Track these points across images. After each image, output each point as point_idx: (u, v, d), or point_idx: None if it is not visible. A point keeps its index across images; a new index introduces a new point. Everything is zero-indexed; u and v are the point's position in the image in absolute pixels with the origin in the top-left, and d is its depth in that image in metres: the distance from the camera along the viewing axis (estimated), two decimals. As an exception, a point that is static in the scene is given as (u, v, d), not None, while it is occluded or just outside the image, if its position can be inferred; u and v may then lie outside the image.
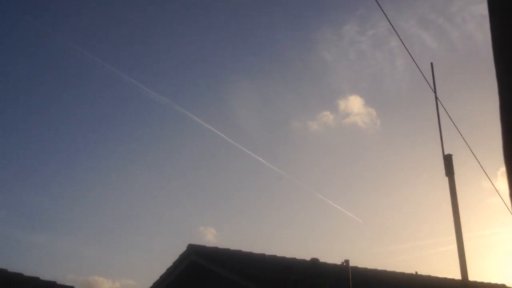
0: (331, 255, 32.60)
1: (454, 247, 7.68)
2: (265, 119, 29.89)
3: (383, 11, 6.11)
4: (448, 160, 8.08)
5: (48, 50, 28.04)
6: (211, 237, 27.51)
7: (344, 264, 10.35)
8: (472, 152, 8.39)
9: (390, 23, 6.42)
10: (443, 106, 8.29)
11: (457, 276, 7.94)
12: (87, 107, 29.74)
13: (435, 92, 8.35)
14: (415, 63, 7.36)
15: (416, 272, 17.15)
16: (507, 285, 17.15)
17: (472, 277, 13.20)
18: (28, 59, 27.83)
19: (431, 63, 8.69)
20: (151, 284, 13.65)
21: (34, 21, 25.59)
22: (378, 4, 5.87)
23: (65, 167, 30.15)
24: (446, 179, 8.07)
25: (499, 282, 17.17)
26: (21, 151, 28.74)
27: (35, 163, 29.80)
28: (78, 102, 29.51)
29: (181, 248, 12.99)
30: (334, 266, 13.70)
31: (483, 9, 25.83)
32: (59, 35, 26.36)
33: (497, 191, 9.10)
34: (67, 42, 26.10)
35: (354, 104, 28.30)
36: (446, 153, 8.13)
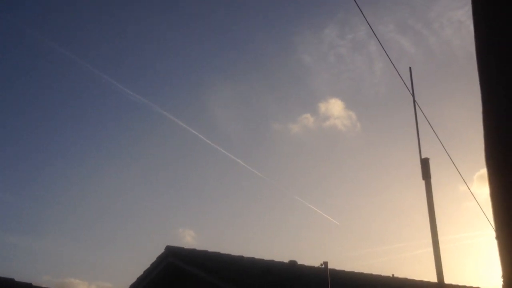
0: (309, 258, 32.72)
1: (430, 250, 7.76)
2: (245, 121, 29.91)
3: (363, 15, 6.15)
4: (425, 164, 8.16)
5: (26, 49, 27.70)
6: (189, 239, 27.43)
7: (323, 266, 10.39)
8: (449, 156, 8.49)
9: (371, 28, 6.47)
10: (421, 110, 8.38)
11: (433, 278, 8.02)
12: (64, 106, 29.41)
13: (413, 97, 8.44)
14: (395, 68, 7.43)
15: (393, 275, 17.31)
16: (482, 287, 17.41)
17: (448, 279, 13.35)
18: (3, 56, 27.43)
19: (410, 68, 8.78)
20: (127, 286, 13.53)
21: (10, 17, 25.22)
22: (359, 8, 5.91)
23: (40, 167, 29.77)
24: (423, 182, 8.15)
25: (474, 285, 17.41)
26: (7, 153, 28.31)
27: (9, 162, 29.35)
28: (55, 101, 29.17)
29: (159, 250, 12.92)
30: (312, 268, 13.75)
31: (461, 15, 26.12)
32: (37, 34, 26.04)
33: (473, 195, 9.22)
34: (44, 40, 25.80)
35: (334, 107, 28.49)
36: (423, 157, 8.22)
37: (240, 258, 14.18)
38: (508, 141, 2.49)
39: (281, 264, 14.55)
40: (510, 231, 2.39)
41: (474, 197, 9.13)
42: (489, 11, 2.74)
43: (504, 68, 2.59)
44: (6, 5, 25.96)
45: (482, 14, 2.82)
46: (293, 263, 14.61)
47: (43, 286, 10.16)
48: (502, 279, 2.44)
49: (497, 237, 2.47)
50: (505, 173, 2.48)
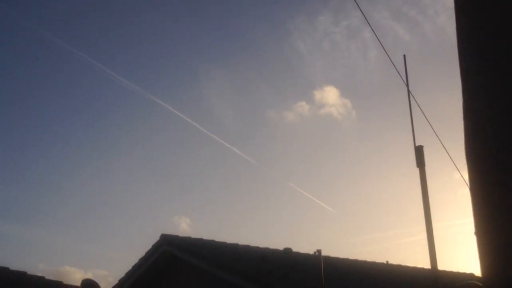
0: (304, 245, 32.89)
1: (424, 236, 7.81)
2: (240, 109, 29.88)
3: (357, 3, 6.14)
4: (419, 151, 8.19)
5: (18, 38, 27.48)
6: (185, 226, 27.48)
7: (317, 254, 10.45)
8: (442, 144, 8.52)
9: (365, 16, 6.46)
10: (414, 99, 8.39)
11: (427, 265, 8.09)
12: (58, 95, 29.28)
13: (407, 85, 8.45)
14: (388, 56, 7.43)
15: (387, 261, 17.44)
16: (475, 274, 17.56)
17: (442, 266, 13.45)
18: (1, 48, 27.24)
19: (404, 55, 8.76)
20: (123, 274, 13.58)
21: (7, 8, 25.00)
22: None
23: (34, 157, 29.70)
24: (417, 170, 8.18)
25: (468, 271, 17.56)
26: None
27: (4, 152, 29.26)
28: (49, 90, 29.03)
29: (154, 238, 12.95)
30: (306, 256, 13.83)
31: (456, 2, 26.20)
32: (30, 23, 25.83)
33: (466, 182, 9.25)
34: (38, 29, 25.61)
35: (330, 95, 28.48)
36: (417, 144, 8.24)
37: (236, 246, 14.24)
38: (487, 140, 2.51)
39: (276, 251, 14.63)
40: (488, 228, 2.41)
41: (468, 185, 9.15)
42: (471, 10, 2.73)
43: (484, 65, 2.58)
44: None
45: (464, 12, 2.81)
46: (288, 251, 14.68)
47: (38, 274, 10.19)
48: (481, 276, 2.46)
49: (476, 234, 2.49)
50: (484, 172, 2.51)
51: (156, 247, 12.91)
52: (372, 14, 23.69)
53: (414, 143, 8.24)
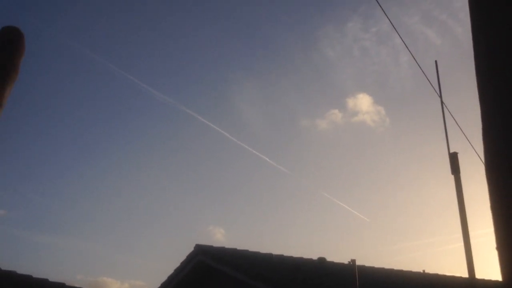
0: (338, 254, 32.62)
1: (461, 245, 7.68)
2: (271, 118, 29.90)
3: (383, 11, 6.12)
4: (453, 158, 8.09)
5: (49, 50, 28.12)
6: (220, 236, 27.55)
7: (351, 263, 10.37)
8: (475, 150, 8.38)
9: (393, 25, 6.43)
10: (446, 107, 8.30)
11: (464, 274, 7.93)
12: (91, 107, 29.85)
13: (439, 91, 8.36)
14: (419, 65, 7.37)
15: (424, 271, 17.16)
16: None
17: (479, 275, 13.17)
18: (29, 57, 27.93)
19: (435, 61, 8.69)
20: (159, 284, 13.72)
21: (33, 18, 25.68)
22: (379, 4, 5.88)
23: (71, 167, 30.30)
24: (452, 177, 8.08)
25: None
26: (25, 151, 28.89)
27: (40, 163, 29.95)
28: (81, 102, 29.63)
29: (190, 248, 13.06)
30: (341, 265, 13.72)
31: (488, 6, 25.80)
32: (60, 34, 26.44)
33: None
34: (67, 41, 26.19)
35: (363, 102, 28.23)
36: (452, 151, 8.14)
37: (269, 256, 14.24)
38: (504, 149, 2.40)
39: (310, 261, 14.56)
40: (510, 243, 2.27)
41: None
42: (487, 13, 2.66)
43: (500, 68, 2.49)
44: (31, 7, 26.46)
45: (479, 16, 2.75)
46: (322, 260, 14.60)
47: (76, 285, 10.39)
48: None
49: (497, 249, 2.34)
50: (502, 184, 2.39)
51: (191, 258, 13.02)
52: (402, 19, 23.44)
53: (448, 150, 8.14)
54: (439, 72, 8.57)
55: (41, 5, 26.60)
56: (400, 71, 28.04)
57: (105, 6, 26.72)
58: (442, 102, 8.28)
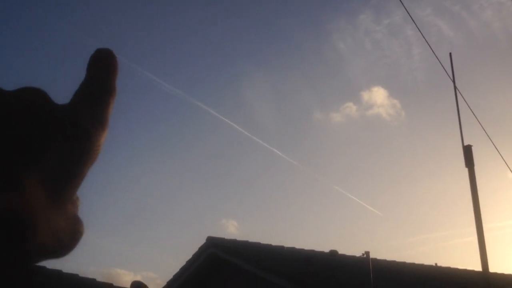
0: (351, 247, 32.56)
1: (474, 238, 7.62)
2: (283, 111, 29.81)
3: (401, 1, 6.05)
4: (467, 151, 8.01)
5: (57, 42, 28.26)
6: (232, 229, 27.60)
7: (365, 256, 10.33)
8: (493, 143, 8.30)
9: (409, 14, 6.36)
10: (462, 97, 8.21)
11: (478, 267, 7.88)
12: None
13: (454, 83, 8.27)
14: (435, 54, 7.29)
15: (436, 264, 17.09)
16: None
17: (493, 268, 13.08)
18: (39, 51, 28.12)
19: (450, 54, 8.60)
20: (171, 276, 13.79)
21: (44, 13, 25.78)
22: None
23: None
24: (466, 170, 8.01)
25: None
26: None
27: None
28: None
29: (202, 241, 13.10)
30: (353, 258, 13.69)
31: (502, -4, 25.45)
32: (70, 27, 26.52)
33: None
34: (77, 33, 26.27)
35: (378, 95, 28.02)
36: (466, 144, 8.06)
37: (281, 248, 14.24)
38: None
39: (321, 254, 14.54)
40: None
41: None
42: None
43: None
44: (41, 1, 26.54)
45: None
46: (334, 253, 14.57)
47: (89, 276, 10.48)
48: None
49: None
50: None
51: (202, 250, 13.06)
52: (414, 11, 23.22)
53: (463, 143, 8.06)
54: (453, 64, 8.48)
55: (55, 1, 26.72)
56: (414, 63, 27.80)
57: (118, 1, 26.76)
58: (456, 94, 8.20)
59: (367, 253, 10.32)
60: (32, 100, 0.39)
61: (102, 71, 0.44)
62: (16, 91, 0.39)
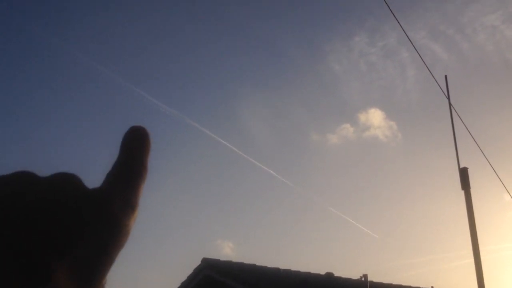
0: (346, 270, 32.37)
1: (471, 260, 7.58)
2: (279, 132, 29.86)
3: (397, 20, 6.10)
4: (464, 173, 8.01)
5: (53, 60, 28.31)
6: (228, 250, 27.42)
7: (363, 279, 10.27)
8: (490, 164, 8.31)
9: (406, 34, 6.41)
10: (459, 117, 8.24)
11: (475, 291, 7.81)
12: (94, 118, 29.97)
13: (450, 104, 8.31)
14: (432, 74, 7.34)
15: (433, 287, 16.97)
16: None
17: (490, 292, 12.97)
18: (36, 69, 28.19)
19: (445, 76, 8.65)
20: (165, 298, 13.62)
21: (39, 30, 25.92)
22: (392, 13, 5.87)
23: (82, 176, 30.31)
24: (463, 192, 8.00)
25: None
26: (43, 158, 28.97)
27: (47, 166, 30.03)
28: (84, 112, 29.76)
29: (197, 262, 12.98)
30: (348, 281, 13.60)
31: (494, 19, 25.70)
32: (66, 44, 26.65)
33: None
34: (73, 52, 26.39)
35: (375, 117, 28.13)
36: (462, 166, 8.07)
37: (277, 270, 14.13)
38: None
39: (317, 276, 14.44)
40: None
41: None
42: None
43: None
44: (37, 18, 26.69)
45: None
46: (329, 275, 14.48)
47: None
48: None
49: None
50: None
51: (197, 271, 12.94)
52: (409, 33, 23.34)
53: (459, 165, 8.07)
54: (448, 86, 8.52)
55: (49, 16, 26.89)
56: (409, 85, 27.99)
57: (114, 19, 26.94)
58: (451, 116, 8.23)
59: (365, 276, 10.26)
60: (65, 187, 0.39)
61: (135, 151, 0.45)
62: (49, 178, 0.40)
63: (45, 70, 27.70)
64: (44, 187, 0.38)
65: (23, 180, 0.39)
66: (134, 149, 0.45)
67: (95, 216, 0.38)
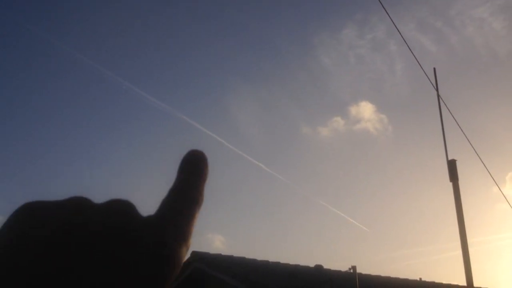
0: (336, 262, 32.51)
1: (459, 252, 7.64)
2: (269, 125, 29.88)
3: (386, 11, 6.10)
4: (452, 166, 8.05)
5: (50, 58, 28.16)
6: (219, 244, 27.45)
7: (351, 270, 10.31)
8: (479, 157, 8.36)
9: (395, 25, 6.41)
10: (448, 110, 8.28)
11: (462, 282, 7.88)
12: (86, 113, 29.79)
13: (438, 96, 8.34)
14: (421, 66, 7.35)
15: (420, 278, 17.10)
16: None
17: (478, 283, 13.12)
18: (31, 66, 27.95)
19: (434, 68, 8.68)
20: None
21: (36, 29, 25.70)
22: (382, 5, 5.86)
23: (70, 176, 30.21)
24: (451, 184, 8.04)
25: (505, 288, 17.08)
26: (30, 159, 28.83)
27: (42, 172, 29.87)
28: (76, 107, 29.59)
29: (187, 255, 12.96)
30: (338, 273, 13.66)
31: (483, 12, 25.83)
32: (60, 43, 26.47)
33: (504, 196, 9.08)
34: (68, 49, 26.21)
35: (365, 110, 28.21)
36: (451, 158, 8.11)
37: (266, 263, 14.16)
38: None
39: (306, 268, 14.49)
40: None
41: (506, 198, 8.97)
42: None
43: None
44: (33, 16, 26.42)
45: None
46: (318, 268, 14.53)
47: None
48: None
49: None
50: None
51: (187, 264, 12.93)
52: (398, 26, 23.44)
53: (447, 157, 8.11)
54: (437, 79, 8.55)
55: (47, 16, 26.64)
56: (398, 78, 28.10)
57: (107, 17, 26.72)
58: (440, 109, 8.26)
59: (354, 267, 10.30)
60: (121, 216, 0.39)
61: (192, 178, 0.44)
62: (105, 205, 0.40)
63: (40, 69, 27.46)
64: (101, 215, 0.38)
65: (81, 207, 0.39)
66: (192, 176, 0.44)
67: (148, 247, 0.38)
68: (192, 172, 0.45)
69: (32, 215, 0.37)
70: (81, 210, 0.38)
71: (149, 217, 0.41)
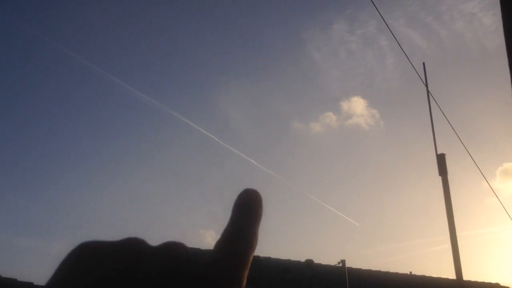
0: (326, 257, 32.72)
1: (448, 246, 7.70)
2: (260, 121, 29.95)
3: (376, 7, 6.11)
4: (441, 160, 8.11)
5: (40, 55, 27.99)
6: (210, 240, 27.48)
7: (340, 264, 10.37)
8: (468, 151, 8.43)
9: (384, 21, 6.43)
10: (437, 103, 8.32)
11: (452, 275, 7.96)
12: (78, 110, 29.66)
13: (428, 92, 8.38)
14: (410, 62, 7.38)
15: (411, 272, 17.21)
16: (501, 284, 17.22)
17: (467, 276, 13.24)
18: (22, 64, 27.75)
19: (423, 63, 8.72)
20: None
21: (27, 26, 25.52)
22: (371, 0, 5.88)
23: (59, 171, 30.05)
24: (440, 178, 8.09)
25: (493, 281, 17.25)
26: (19, 157, 28.63)
27: (28, 169, 29.69)
28: (67, 104, 29.43)
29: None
30: (328, 267, 13.72)
31: (472, 7, 25.94)
32: (52, 40, 26.29)
33: (493, 190, 9.16)
34: (59, 46, 26.06)
35: (357, 105, 28.28)
36: (440, 152, 8.16)
37: (257, 258, 14.18)
38: None
39: (297, 263, 14.54)
40: None
41: (494, 192, 9.05)
42: None
43: None
44: (25, 14, 26.21)
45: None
46: (309, 262, 14.59)
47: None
48: None
49: None
50: None
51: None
52: (388, 21, 23.57)
53: (436, 152, 8.16)
54: (427, 74, 8.59)
55: (41, 15, 26.42)
56: (388, 73, 28.20)
57: (98, 14, 26.54)
58: (429, 103, 8.31)
59: (343, 261, 10.35)
60: (176, 260, 0.40)
61: (248, 220, 0.44)
62: (160, 247, 0.40)
63: (31, 66, 27.22)
64: (158, 259, 0.39)
65: (138, 250, 0.39)
66: (248, 217, 0.44)
67: None
68: (247, 213, 0.45)
69: (89, 256, 0.38)
70: (139, 253, 0.39)
71: (203, 258, 0.42)
